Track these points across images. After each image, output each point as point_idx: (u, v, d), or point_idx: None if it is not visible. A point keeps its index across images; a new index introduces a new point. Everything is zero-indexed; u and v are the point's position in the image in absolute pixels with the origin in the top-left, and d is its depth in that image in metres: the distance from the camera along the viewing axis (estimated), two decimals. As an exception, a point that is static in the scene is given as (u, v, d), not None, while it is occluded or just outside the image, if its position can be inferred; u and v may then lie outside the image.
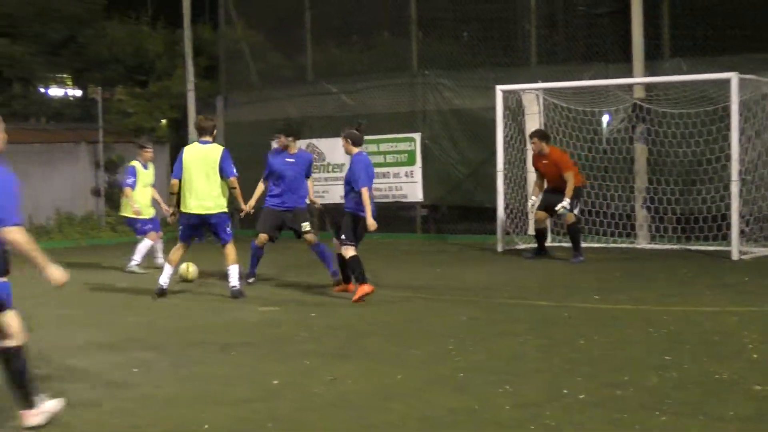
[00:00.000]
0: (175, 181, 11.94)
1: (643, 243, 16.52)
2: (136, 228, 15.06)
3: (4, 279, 5.87)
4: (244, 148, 18.94)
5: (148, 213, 15.09)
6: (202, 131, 11.96)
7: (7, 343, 5.87)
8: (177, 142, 21.93)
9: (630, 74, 16.80)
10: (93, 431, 6.13)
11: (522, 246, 16.51)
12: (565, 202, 14.43)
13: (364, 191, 11.20)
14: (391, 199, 19.24)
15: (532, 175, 16.07)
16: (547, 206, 14.90)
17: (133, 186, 14.87)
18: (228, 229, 11.92)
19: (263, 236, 12.92)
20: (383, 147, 19.33)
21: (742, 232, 14.84)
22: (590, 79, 16.94)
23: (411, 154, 19.32)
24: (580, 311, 10.19)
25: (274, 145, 14.16)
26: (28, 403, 5.96)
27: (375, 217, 11.40)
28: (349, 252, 11.39)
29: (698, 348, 8.08)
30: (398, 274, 13.79)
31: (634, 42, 16.79)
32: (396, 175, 19.40)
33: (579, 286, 12.16)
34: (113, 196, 22.75)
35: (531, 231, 16.34)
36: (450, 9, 19.08)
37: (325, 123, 20.00)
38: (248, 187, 13.13)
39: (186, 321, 10.25)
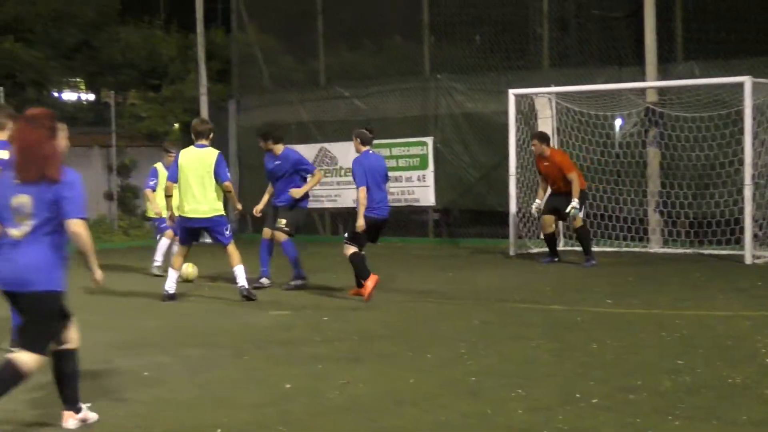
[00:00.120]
0: (170, 184, 12.09)
1: (655, 247, 16.49)
2: (156, 227, 15.19)
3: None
4: (256, 151, 18.87)
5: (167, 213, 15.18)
6: (198, 135, 11.99)
7: (66, 345, 6.13)
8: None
9: (643, 78, 16.77)
10: (106, 434, 6.16)
11: (534, 250, 16.50)
12: (575, 203, 14.40)
13: (360, 191, 11.49)
14: (403, 203, 19.24)
15: (543, 179, 16.08)
16: (553, 210, 14.88)
17: (153, 188, 14.97)
18: (227, 231, 11.94)
19: (266, 230, 13.11)
20: (395, 151, 19.33)
21: (755, 236, 14.81)
22: (603, 82, 16.89)
23: (423, 158, 19.32)
24: (593, 315, 10.17)
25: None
26: (73, 405, 6.15)
27: (388, 219, 11.59)
28: (348, 251, 11.58)
29: (711, 352, 8.06)
30: (410, 278, 13.79)
31: (647, 45, 16.76)
32: (408, 179, 19.40)
33: (591, 290, 12.14)
34: (126, 200, 22.84)
35: (541, 236, 16.32)
36: (462, 13, 19.09)
37: (338, 127, 20.02)
38: (260, 190, 13.19)
39: (199, 325, 10.26)
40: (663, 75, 16.76)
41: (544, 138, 15.14)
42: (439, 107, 19.37)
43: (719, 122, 15.66)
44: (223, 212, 11.96)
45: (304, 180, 12.99)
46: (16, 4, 24.33)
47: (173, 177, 12.03)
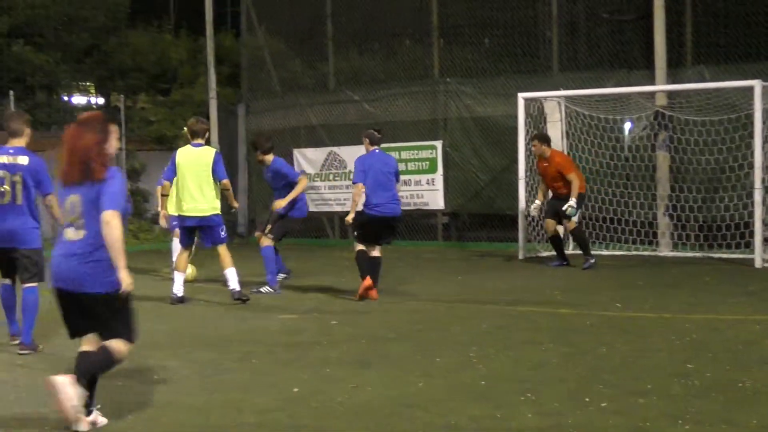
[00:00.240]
0: (166, 183, 12.15)
1: (665, 251, 16.45)
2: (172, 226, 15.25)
3: None
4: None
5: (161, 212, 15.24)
6: (194, 134, 12.01)
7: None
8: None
9: (652, 81, 16.76)
10: (116, 438, 6.17)
11: (544, 254, 16.48)
12: (572, 201, 14.39)
13: (355, 187, 11.79)
14: (412, 207, 19.23)
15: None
16: (554, 214, 14.88)
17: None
18: (222, 232, 11.97)
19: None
20: (404, 155, 19.32)
21: (765, 240, 14.75)
22: (612, 86, 16.90)
23: (432, 161, 19.32)
24: (603, 319, 10.16)
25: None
26: (86, 407, 6.15)
27: (398, 218, 11.82)
28: (355, 248, 11.90)
29: (721, 356, 8.05)
30: (420, 281, 13.79)
31: (657, 49, 16.74)
32: (417, 183, 19.39)
33: (601, 293, 12.12)
34: (135, 203, 22.85)
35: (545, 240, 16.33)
36: (471, 16, 19.11)
37: (347, 131, 20.01)
38: (269, 194, 13.24)
39: (208, 328, 10.28)
40: (672, 78, 16.73)
41: (544, 139, 15.14)
42: (449, 111, 19.36)
43: (729, 126, 15.64)
44: (220, 212, 12.00)
45: (293, 188, 13.02)
46: (26, 9, 24.43)
47: (169, 176, 12.06)
